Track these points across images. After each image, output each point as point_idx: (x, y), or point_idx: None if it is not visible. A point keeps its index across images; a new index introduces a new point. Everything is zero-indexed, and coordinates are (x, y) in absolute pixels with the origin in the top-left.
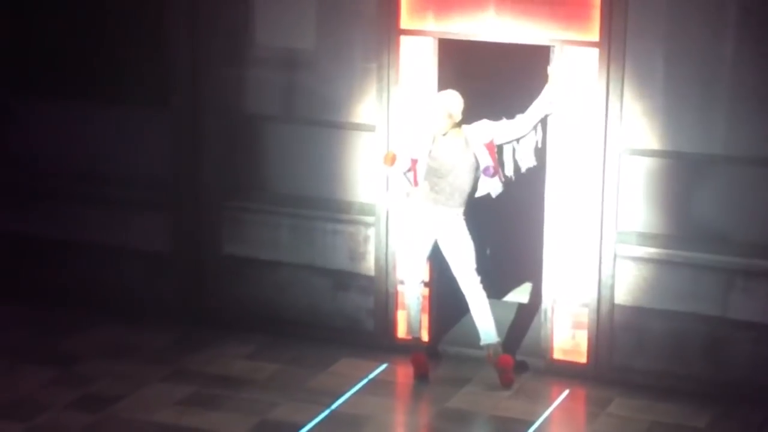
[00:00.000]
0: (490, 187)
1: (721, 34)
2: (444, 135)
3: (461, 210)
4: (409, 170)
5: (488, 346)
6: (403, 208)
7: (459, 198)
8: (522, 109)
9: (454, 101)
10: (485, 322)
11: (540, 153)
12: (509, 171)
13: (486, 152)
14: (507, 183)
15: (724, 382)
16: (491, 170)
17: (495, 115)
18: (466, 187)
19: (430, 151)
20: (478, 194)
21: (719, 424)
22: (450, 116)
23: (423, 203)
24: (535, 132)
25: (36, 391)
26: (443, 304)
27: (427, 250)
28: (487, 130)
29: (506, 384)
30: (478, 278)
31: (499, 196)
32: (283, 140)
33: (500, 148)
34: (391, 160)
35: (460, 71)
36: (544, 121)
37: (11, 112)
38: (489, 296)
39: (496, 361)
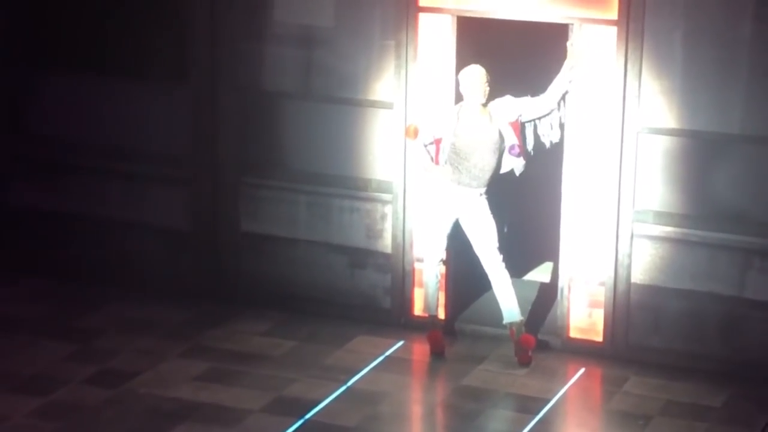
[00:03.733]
0: (514, 163)
1: (739, 13)
2: (484, 105)
3: (484, 189)
4: (431, 143)
5: (511, 324)
6: (422, 182)
7: (483, 177)
8: (540, 87)
9: (482, 72)
10: (508, 301)
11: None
12: (530, 146)
13: (511, 131)
14: (527, 159)
15: (740, 361)
16: (517, 149)
17: (513, 93)
18: (491, 166)
19: (455, 130)
20: (502, 171)
21: (735, 404)
22: (487, 83)
23: (446, 183)
24: (558, 108)
25: (54, 366)
26: (460, 282)
27: (447, 229)
28: (512, 107)
29: (524, 363)
30: (501, 257)
31: (518, 175)
32: (301, 117)
33: (522, 124)
34: (413, 133)
35: (478, 49)
36: (564, 98)
37: (31, 88)
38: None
39: (518, 339)
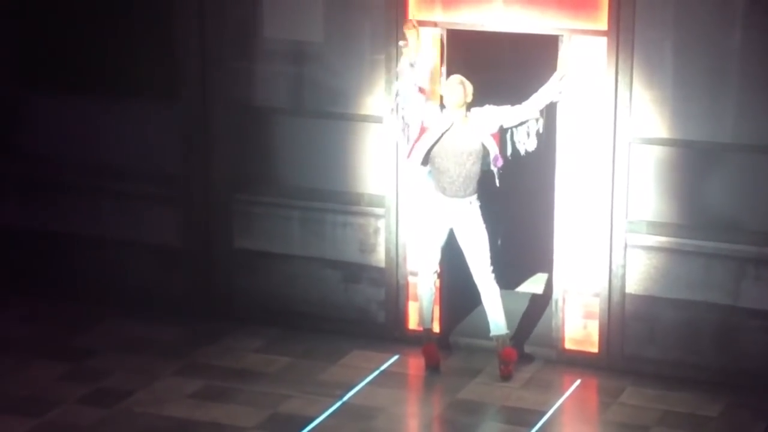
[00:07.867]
0: (494, 171)
1: (729, 22)
2: (460, 107)
3: (475, 196)
4: (412, 129)
5: (497, 337)
6: (414, 193)
7: (469, 186)
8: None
9: (460, 86)
10: (496, 314)
11: (547, 141)
12: (508, 152)
13: (493, 141)
14: (506, 164)
15: (736, 370)
16: (500, 160)
17: (500, 104)
18: (474, 174)
19: (439, 140)
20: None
21: (731, 413)
22: (464, 88)
23: (435, 194)
24: (537, 118)
25: (48, 386)
26: (455, 295)
27: (441, 240)
28: (494, 118)
29: (504, 376)
30: (491, 269)
31: (510, 187)
32: (292, 133)
33: (503, 132)
34: (413, 26)
35: (468, 61)
36: (548, 108)
37: (22, 107)
38: (501, 287)
39: (500, 352)
